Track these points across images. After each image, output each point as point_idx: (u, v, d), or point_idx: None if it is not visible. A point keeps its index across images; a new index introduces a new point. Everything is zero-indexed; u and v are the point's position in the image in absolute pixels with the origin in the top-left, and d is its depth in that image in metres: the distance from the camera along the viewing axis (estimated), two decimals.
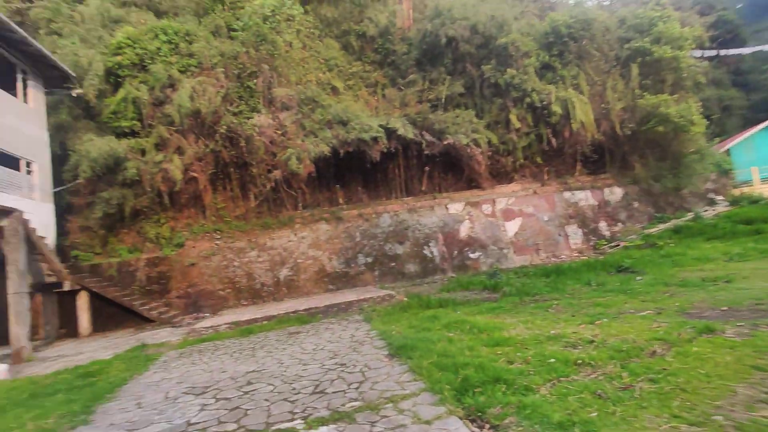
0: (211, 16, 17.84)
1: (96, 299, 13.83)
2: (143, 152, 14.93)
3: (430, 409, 4.17)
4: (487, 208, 17.11)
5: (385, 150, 16.20)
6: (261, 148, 15.09)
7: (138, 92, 14.96)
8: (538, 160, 18.30)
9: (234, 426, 4.43)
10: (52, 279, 12.93)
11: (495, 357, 5.30)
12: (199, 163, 15.34)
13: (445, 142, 16.61)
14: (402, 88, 18.55)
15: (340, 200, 17.13)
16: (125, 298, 13.74)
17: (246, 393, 5.48)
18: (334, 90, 18.17)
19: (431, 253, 16.26)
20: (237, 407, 4.98)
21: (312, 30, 18.71)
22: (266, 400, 5.11)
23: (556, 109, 16.74)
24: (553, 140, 17.57)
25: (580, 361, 4.81)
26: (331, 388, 5.19)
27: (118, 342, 11.40)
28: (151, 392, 6.09)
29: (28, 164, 13.48)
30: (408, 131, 16.20)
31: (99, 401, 5.84)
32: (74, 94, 15.49)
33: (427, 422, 3.91)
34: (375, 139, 15.83)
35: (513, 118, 17.33)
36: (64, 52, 15.73)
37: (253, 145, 15.13)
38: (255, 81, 16.01)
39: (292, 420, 4.38)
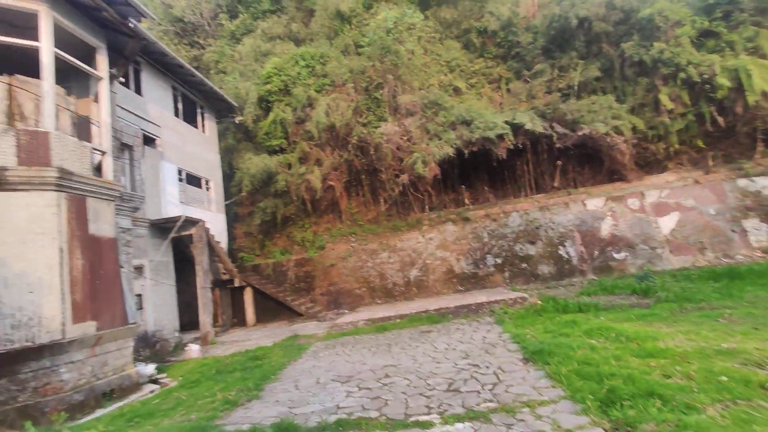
0: (341, 36, 19.42)
1: (258, 294, 16.20)
2: (289, 166, 16.99)
3: (571, 418, 3.98)
4: (633, 202, 15.21)
5: (511, 147, 15.63)
6: (388, 154, 15.91)
7: (284, 114, 17.11)
8: (699, 144, 15.58)
9: (376, 413, 4.84)
10: (226, 277, 15.55)
11: (647, 369, 4.78)
12: (335, 172, 16.84)
13: (580, 133, 15.29)
14: (528, 80, 17.65)
15: (466, 201, 17.03)
16: (280, 294, 15.81)
17: (385, 385, 5.90)
18: (457, 90, 18.19)
19: (567, 253, 15.12)
20: (378, 397, 5.42)
21: (432, 34, 19.04)
22: (403, 393, 5.44)
23: (723, 81, 14.05)
24: (720, 119, 14.79)
25: None
26: (464, 388, 5.29)
27: (276, 332, 13.18)
28: (305, 377, 6.97)
29: (206, 182, 16.49)
30: (536, 125, 15.35)
31: (266, 381, 6.91)
32: (237, 121, 18.45)
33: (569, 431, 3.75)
34: (500, 137, 15.39)
35: (663, 98, 15.09)
36: (228, 87, 18.88)
37: (382, 152, 16.03)
38: (381, 92, 16.95)
39: (429, 414, 4.61)
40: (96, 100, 9.09)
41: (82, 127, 8.97)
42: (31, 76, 7.80)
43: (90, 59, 8.81)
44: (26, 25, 7.72)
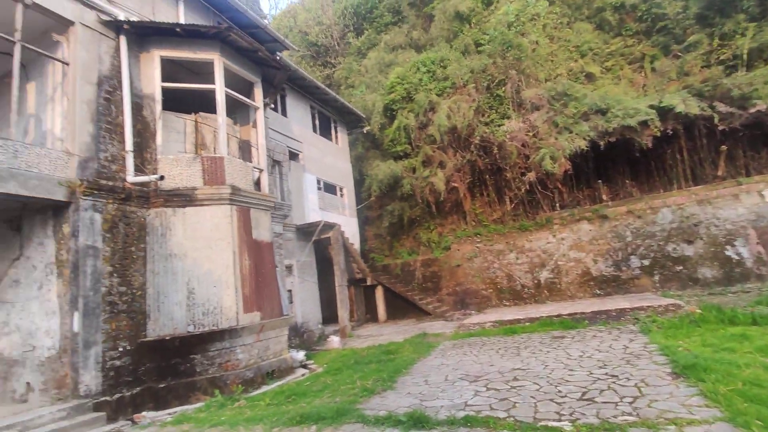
0: (460, 37, 19.47)
1: (388, 292, 17.20)
2: (414, 170, 17.67)
3: None
4: None
5: (658, 134, 13.81)
6: (513, 152, 15.45)
7: (407, 120, 17.86)
8: None
9: (504, 414, 4.93)
10: (360, 276, 16.87)
11: None
12: (457, 173, 16.97)
13: (753, 110, 12.80)
14: (679, 54, 15.37)
15: (604, 197, 15.56)
16: (408, 293, 16.57)
17: (513, 387, 5.92)
18: (589, 77, 16.77)
19: (738, 254, 12.76)
20: (505, 398, 5.48)
21: (559, 20, 17.87)
22: (532, 397, 5.41)
23: None
24: None
25: None
26: (600, 398, 5.04)
27: (405, 329, 13.88)
28: (434, 373, 7.34)
29: (341, 190, 18.13)
30: (690, 106, 13.31)
31: (398, 374, 7.46)
32: (365, 131, 19.87)
33: None
34: (644, 124, 13.73)
35: None
36: (356, 100, 20.44)
37: (506, 151, 15.65)
38: (503, 89, 16.55)
39: (559, 420, 4.54)
40: (254, 125, 10.85)
41: (245, 150, 10.80)
42: (208, 111, 9.72)
43: (249, 92, 10.55)
44: (202, 71, 9.63)
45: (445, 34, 20.37)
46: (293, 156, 15.13)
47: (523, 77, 16.29)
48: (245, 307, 8.53)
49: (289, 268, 13.44)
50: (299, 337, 13.04)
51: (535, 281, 15.26)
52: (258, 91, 10.54)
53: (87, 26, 7.93)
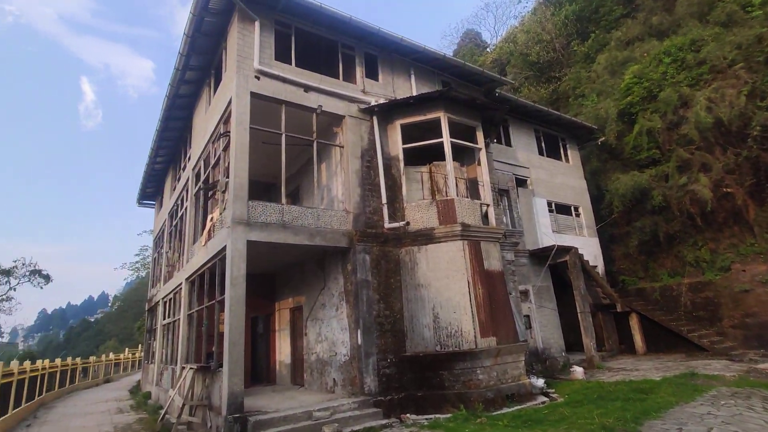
0: (719, 7, 15.91)
1: (645, 321, 15.07)
2: (666, 178, 15.22)
3: None
4: None
5: None
6: None
7: (650, 122, 15.66)
8: None
9: None
10: (607, 301, 15.48)
11: None
12: (730, 176, 13.69)
13: None
14: None
15: None
16: (672, 323, 14.12)
17: None
18: None
19: None
20: None
21: None
22: None
23: None
24: None
25: None
26: None
27: (668, 365, 11.94)
28: (693, 423, 6.38)
29: (575, 209, 17.24)
30: None
31: (646, 417, 6.82)
32: (599, 143, 18.36)
33: None
34: None
35: None
36: (587, 110, 19.19)
37: None
38: None
39: None
40: (478, 164, 11.95)
41: (472, 187, 11.99)
42: (439, 159, 11.38)
43: (472, 135, 11.76)
44: (431, 126, 11.37)
45: (695, 10, 17.03)
46: (520, 182, 15.52)
47: None
48: (482, 332, 9.45)
49: (524, 293, 13.73)
50: (541, 363, 13.04)
51: None
52: (479, 134, 11.63)
53: (352, 116, 10.79)
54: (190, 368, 9.51)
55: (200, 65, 11.98)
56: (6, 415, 11.00)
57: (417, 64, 12.53)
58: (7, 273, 24.29)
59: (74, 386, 21.74)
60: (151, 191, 20.86)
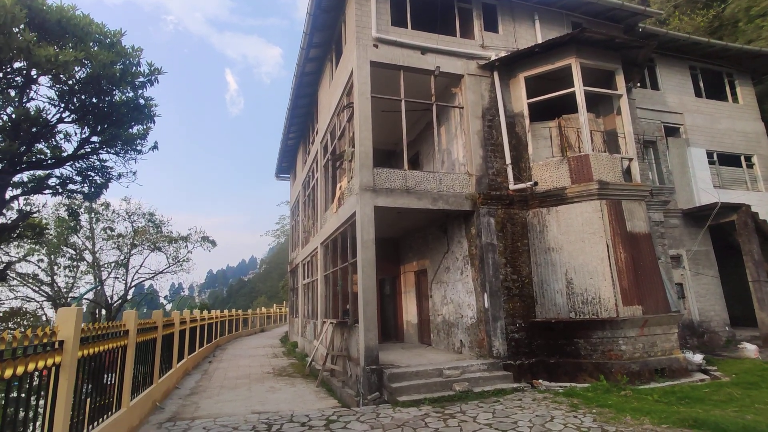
0: None
1: None
2: None
3: None
4: None
5: None
6: None
7: None
8: None
9: None
10: None
11: None
12: None
13: None
14: None
15: None
16: None
17: None
18: None
19: None
20: None
21: None
22: None
23: None
24: None
25: None
26: None
27: None
28: None
29: (747, 159, 14.25)
30: None
31: None
32: None
33: None
34: None
35: None
36: (765, 35, 15.39)
37: None
38: None
39: None
40: (618, 113, 10.54)
41: (611, 141, 10.68)
42: (570, 112, 10.33)
43: (610, 81, 10.38)
44: (560, 76, 10.28)
45: None
46: (671, 131, 13.34)
47: None
48: (624, 300, 8.59)
49: (675, 258, 12.04)
50: (697, 337, 11.47)
51: None
52: (619, 78, 10.20)
53: (471, 74, 10.32)
54: (330, 323, 10.56)
55: (322, 41, 12.55)
56: (194, 353, 13.66)
57: (541, 7, 11.36)
58: (185, 239, 29.78)
59: (239, 333, 26.05)
60: (286, 165, 23.10)
